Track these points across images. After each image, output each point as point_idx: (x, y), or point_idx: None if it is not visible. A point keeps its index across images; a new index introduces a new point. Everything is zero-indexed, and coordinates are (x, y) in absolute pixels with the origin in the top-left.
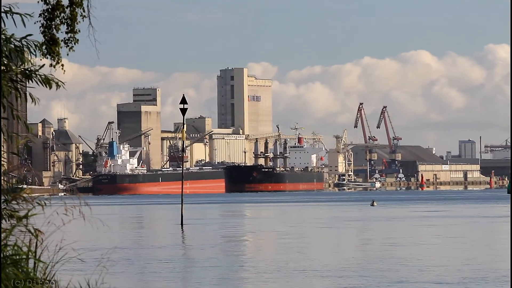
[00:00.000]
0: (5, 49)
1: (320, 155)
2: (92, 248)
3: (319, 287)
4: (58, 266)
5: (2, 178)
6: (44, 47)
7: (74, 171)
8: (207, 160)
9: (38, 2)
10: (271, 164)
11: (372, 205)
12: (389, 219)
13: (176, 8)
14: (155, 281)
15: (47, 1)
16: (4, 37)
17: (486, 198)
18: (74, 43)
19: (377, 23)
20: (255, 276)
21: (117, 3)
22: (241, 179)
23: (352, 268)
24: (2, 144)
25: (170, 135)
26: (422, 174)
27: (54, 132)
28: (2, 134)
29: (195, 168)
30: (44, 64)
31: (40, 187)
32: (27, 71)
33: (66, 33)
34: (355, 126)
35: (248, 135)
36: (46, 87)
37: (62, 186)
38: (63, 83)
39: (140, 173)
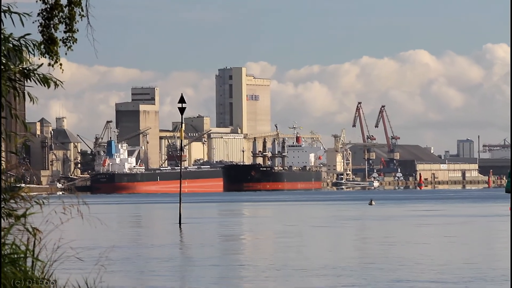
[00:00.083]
0: (3, 48)
1: (318, 154)
2: (90, 247)
3: (318, 286)
4: (56, 264)
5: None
6: (42, 46)
7: (73, 170)
8: (206, 159)
9: (37, 1)
10: (269, 163)
11: (370, 204)
12: (387, 218)
13: (175, 8)
14: (153, 280)
15: (46, 1)
16: (2, 37)
17: (484, 197)
18: (73, 43)
19: (376, 22)
20: (253, 275)
21: (116, 2)
22: (239, 178)
23: (350, 267)
24: (0, 143)
25: (168, 134)
26: (420, 173)
27: (52, 131)
28: (0, 133)
29: (194, 167)
30: (42, 64)
31: (38, 186)
32: (25, 70)
33: (65, 32)
34: (354, 126)
35: (247, 134)
36: (45, 86)
37: (60, 185)
38: (61, 82)
39: (138, 172)
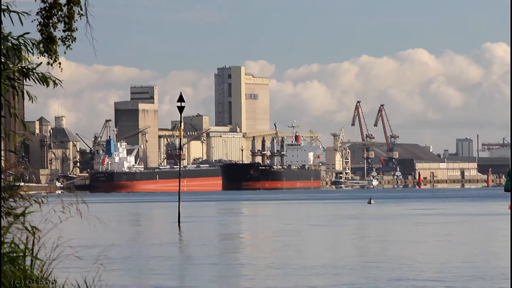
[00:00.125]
0: (2, 47)
1: (317, 153)
2: (89, 245)
3: (317, 285)
4: (55, 263)
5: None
6: (41, 45)
7: (71, 169)
8: (205, 158)
9: (36, 0)
10: (268, 162)
11: (369, 203)
12: (386, 217)
13: (174, 7)
14: (152, 279)
15: (45, 0)
16: (1, 35)
17: (483, 196)
18: (72, 42)
19: (375, 21)
20: (252, 273)
21: (115, 1)
22: (238, 177)
23: (349, 266)
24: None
25: (167, 133)
26: (419, 172)
27: (51, 130)
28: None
29: (193, 166)
30: (41, 62)
31: (37, 184)
32: (24, 69)
33: (64, 31)
34: (353, 124)
35: (246, 133)
36: (44, 85)
37: (59, 184)
38: (60, 81)
39: (137, 171)
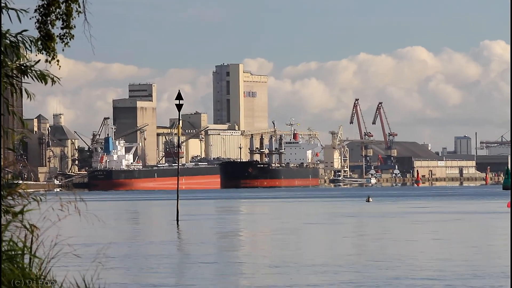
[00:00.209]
0: (0, 44)
1: (316, 151)
2: (88, 243)
3: (316, 283)
4: (54, 261)
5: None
6: (39, 42)
7: (70, 167)
8: (203, 156)
9: None
10: (266, 160)
11: (368, 201)
12: (385, 215)
13: (172, 5)
14: (151, 277)
15: None
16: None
17: (481, 194)
18: (70, 39)
19: (373, 19)
20: (251, 271)
21: None
22: (236, 175)
23: (348, 264)
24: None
25: (165, 131)
26: (417, 170)
27: (49, 128)
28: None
29: (191, 164)
30: (39, 60)
31: (36, 182)
32: (22, 67)
33: (62, 28)
34: (351, 122)
35: (244, 131)
36: (42, 82)
37: (58, 181)
38: (58, 78)
39: (135, 168)
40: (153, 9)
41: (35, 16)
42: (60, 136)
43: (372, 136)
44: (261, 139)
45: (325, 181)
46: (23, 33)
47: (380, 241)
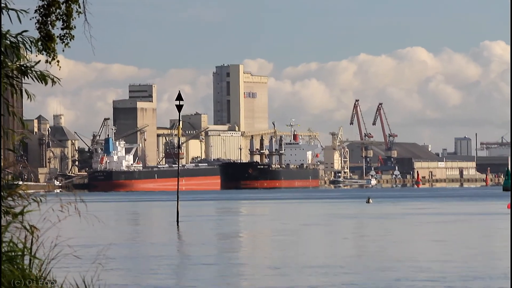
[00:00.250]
0: (1, 45)
1: (316, 152)
2: (88, 244)
3: (316, 284)
4: (54, 262)
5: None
6: (39, 43)
7: (70, 168)
8: (203, 157)
9: None
10: (266, 161)
11: (368, 202)
12: (385, 216)
13: (172, 5)
14: (151, 278)
15: None
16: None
17: (482, 195)
18: (70, 39)
19: (373, 20)
20: (251, 273)
21: None
22: (236, 176)
23: (348, 266)
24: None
25: (166, 131)
26: (417, 171)
27: (50, 129)
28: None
29: (191, 165)
30: (39, 60)
31: (36, 183)
32: (22, 67)
33: (62, 29)
34: (351, 123)
35: (244, 131)
36: (42, 83)
37: (58, 182)
38: (58, 79)
39: (136, 169)
40: (153, 10)
41: (35, 17)
42: (60, 137)
43: (372, 137)
44: (261, 140)
45: (325, 182)
46: (23, 33)
47: (381, 242)
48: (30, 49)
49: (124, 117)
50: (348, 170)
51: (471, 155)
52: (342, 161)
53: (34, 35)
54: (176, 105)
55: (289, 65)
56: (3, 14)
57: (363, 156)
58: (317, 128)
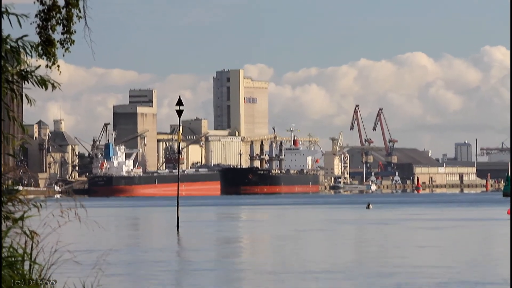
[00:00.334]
0: (1, 49)
1: (316, 157)
2: (88, 250)
3: None
4: (54, 268)
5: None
6: (40, 48)
7: (70, 173)
8: (203, 162)
9: (34, 2)
10: (266, 166)
11: (368, 207)
12: (385, 222)
13: (173, 10)
14: (150, 284)
15: (43, 2)
16: (0, 38)
17: (482, 201)
18: (70, 44)
19: (373, 24)
20: (250, 278)
21: (113, 4)
22: (236, 182)
23: (348, 271)
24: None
25: (166, 137)
26: (418, 177)
27: (50, 134)
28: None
29: (191, 170)
30: (40, 65)
31: (36, 188)
32: (23, 72)
33: (62, 34)
34: (351, 128)
35: (244, 137)
36: (42, 88)
37: (58, 187)
38: (59, 84)
39: (136, 175)
40: (153, 15)
41: (36, 21)
42: (60, 142)
43: (372, 142)
44: (261, 145)
45: (325, 188)
46: (24, 38)
47: (381, 247)
48: (30, 54)
49: (124, 122)
50: (348, 176)
51: (471, 160)
52: (342, 167)
53: (35, 40)
54: (176, 110)
55: (289, 70)
56: (3, 18)
57: (363, 161)
58: (317, 133)
